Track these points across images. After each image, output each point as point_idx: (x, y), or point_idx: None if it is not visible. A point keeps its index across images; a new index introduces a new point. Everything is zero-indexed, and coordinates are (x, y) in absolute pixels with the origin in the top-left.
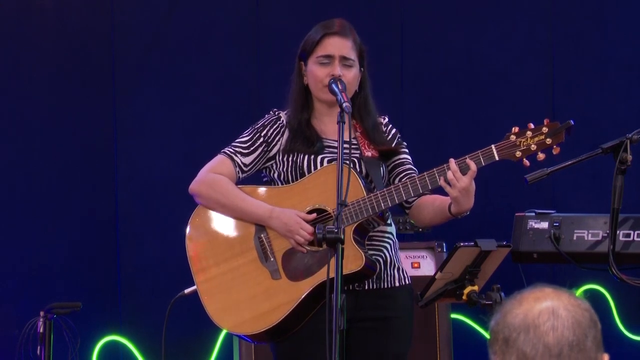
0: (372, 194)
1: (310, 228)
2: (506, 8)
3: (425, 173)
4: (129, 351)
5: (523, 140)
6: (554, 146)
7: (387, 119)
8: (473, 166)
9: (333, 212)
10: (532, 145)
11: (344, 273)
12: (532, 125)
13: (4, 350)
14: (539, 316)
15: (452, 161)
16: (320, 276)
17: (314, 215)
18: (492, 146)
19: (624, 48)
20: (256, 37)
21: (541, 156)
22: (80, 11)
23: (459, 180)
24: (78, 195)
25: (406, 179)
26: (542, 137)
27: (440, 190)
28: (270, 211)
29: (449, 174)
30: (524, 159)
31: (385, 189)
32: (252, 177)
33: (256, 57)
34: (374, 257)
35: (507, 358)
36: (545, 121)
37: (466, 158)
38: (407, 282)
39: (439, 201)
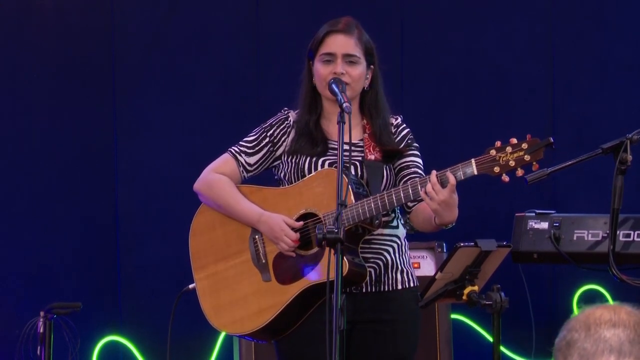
0: (358, 202)
1: (294, 235)
2: (506, 8)
3: (409, 183)
4: (129, 351)
5: (502, 155)
6: (534, 162)
7: (399, 119)
8: (452, 179)
9: (323, 216)
10: (511, 162)
11: (329, 279)
12: (514, 141)
13: (4, 350)
14: (600, 316)
15: (433, 173)
16: (307, 280)
17: (301, 223)
18: (472, 160)
19: (624, 48)
20: (256, 37)
21: (520, 172)
22: (80, 11)
23: (438, 193)
24: (78, 195)
25: (391, 189)
26: (522, 153)
27: None
28: (259, 215)
29: (428, 187)
30: (503, 175)
31: (371, 197)
32: (263, 175)
33: (256, 57)
34: (370, 260)
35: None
36: (528, 136)
37: (447, 171)
38: (411, 285)
39: (428, 211)
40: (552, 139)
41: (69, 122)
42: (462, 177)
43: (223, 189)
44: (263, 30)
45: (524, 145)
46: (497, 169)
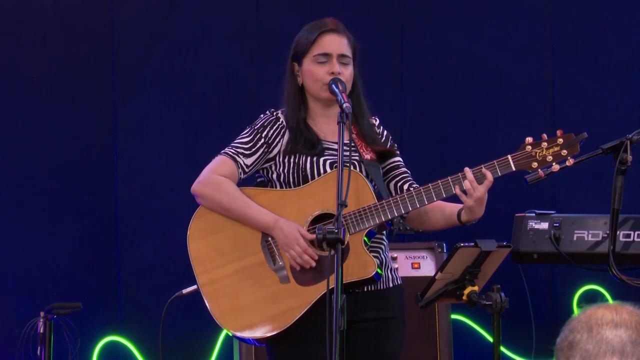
0: (384, 201)
1: (305, 245)
2: (506, 8)
3: (439, 181)
4: (129, 351)
5: (539, 151)
6: (569, 157)
7: (378, 121)
8: (490, 176)
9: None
10: (548, 157)
11: (356, 279)
12: (545, 136)
13: (4, 350)
14: (602, 317)
15: (468, 170)
16: (330, 282)
17: (313, 236)
18: (509, 156)
19: (624, 48)
20: (256, 37)
21: (556, 167)
22: (80, 11)
23: (476, 189)
24: (78, 195)
25: (419, 187)
26: (558, 148)
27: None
28: (275, 221)
29: (466, 184)
30: (539, 170)
31: (398, 196)
32: (249, 178)
33: (256, 57)
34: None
35: None
36: (559, 132)
37: (482, 168)
38: (398, 282)
39: (449, 209)
40: (586, 134)
41: (69, 122)
42: (499, 174)
43: (231, 192)
44: (263, 30)
45: (560, 141)
46: (534, 164)
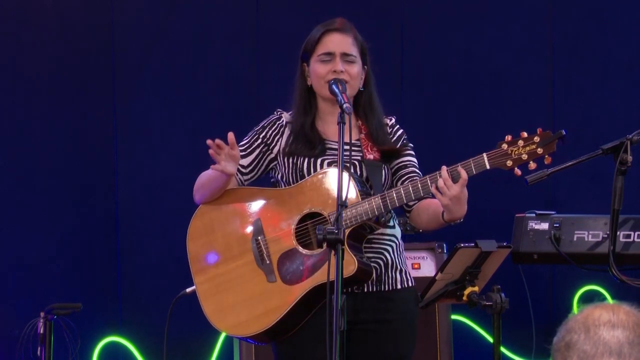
0: (366, 200)
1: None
2: (506, 8)
3: (418, 179)
4: (129, 352)
5: (515, 149)
6: (546, 155)
7: (393, 120)
8: (464, 174)
9: (328, 215)
10: (524, 155)
11: (331, 279)
12: (525, 134)
13: (4, 350)
14: (599, 317)
15: (444, 169)
16: (314, 280)
17: (232, 137)
18: (484, 155)
19: (624, 48)
20: (256, 37)
21: (532, 165)
22: (80, 11)
23: (450, 188)
24: (78, 195)
25: (399, 185)
26: (534, 146)
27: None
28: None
29: (440, 182)
30: (516, 168)
31: (379, 195)
32: (260, 180)
33: (256, 57)
34: (372, 260)
35: None
36: (538, 130)
37: (458, 166)
38: (409, 284)
39: (434, 207)
40: (564, 132)
41: (69, 122)
42: (474, 172)
43: (204, 174)
44: (263, 31)
45: (536, 139)
46: (509, 163)
